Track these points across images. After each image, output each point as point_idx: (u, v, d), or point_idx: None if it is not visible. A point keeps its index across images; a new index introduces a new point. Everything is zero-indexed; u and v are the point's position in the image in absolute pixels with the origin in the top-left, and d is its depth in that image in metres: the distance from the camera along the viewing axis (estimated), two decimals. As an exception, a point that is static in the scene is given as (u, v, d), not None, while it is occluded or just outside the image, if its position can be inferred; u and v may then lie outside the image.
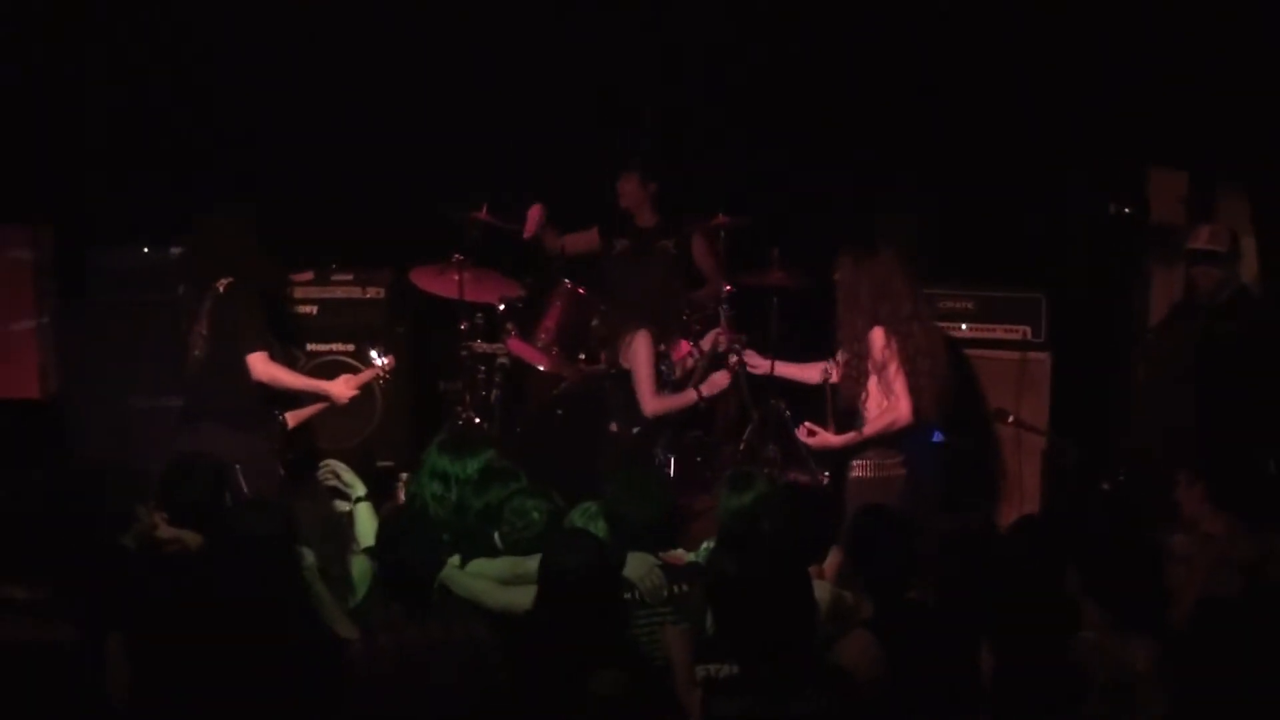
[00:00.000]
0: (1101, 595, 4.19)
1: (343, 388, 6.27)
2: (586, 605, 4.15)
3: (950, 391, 6.19)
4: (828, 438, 6.13)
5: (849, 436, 6.09)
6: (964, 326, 7.28)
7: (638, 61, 8.13)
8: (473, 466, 5.25)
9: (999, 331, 7.26)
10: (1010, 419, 6.95)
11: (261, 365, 6.09)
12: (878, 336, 6.04)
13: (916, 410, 6.02)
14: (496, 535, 5.00)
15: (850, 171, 8.06)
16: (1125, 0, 7.23)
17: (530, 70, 8.15)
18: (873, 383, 6.06)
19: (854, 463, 6.11)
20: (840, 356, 6.16)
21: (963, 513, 4.67)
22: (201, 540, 4.81)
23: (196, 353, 6.20)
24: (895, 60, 7.84)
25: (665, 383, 6.98)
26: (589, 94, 8.19)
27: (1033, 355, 7.17)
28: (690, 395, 6.86)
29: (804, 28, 7.93)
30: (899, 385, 6.01)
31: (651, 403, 6.86)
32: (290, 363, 6.37)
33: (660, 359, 6.98)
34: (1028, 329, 7.23)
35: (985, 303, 7.31)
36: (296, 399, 6.32)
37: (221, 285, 6.17)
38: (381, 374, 6.41)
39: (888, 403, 6.02)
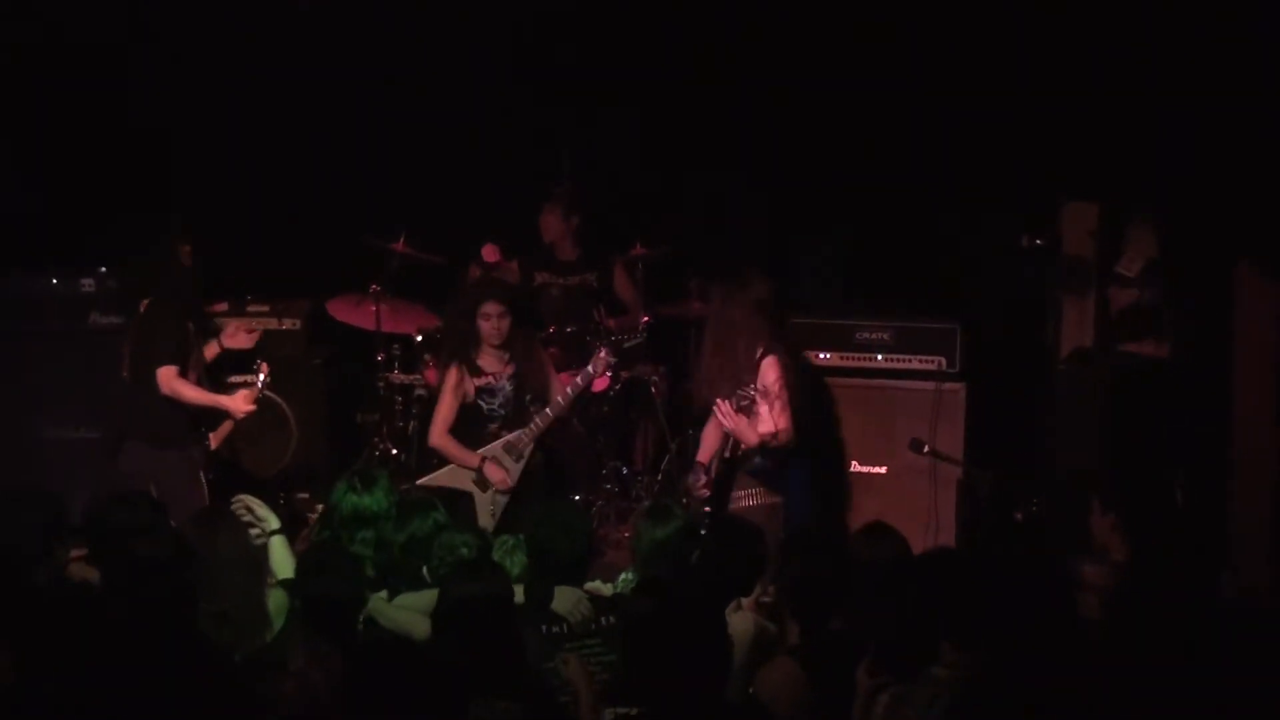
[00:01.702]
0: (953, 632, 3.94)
1: (240, 402, 6.31)
2: (476, 637, 4.06)
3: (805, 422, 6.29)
4: (745, 432, 6.02)
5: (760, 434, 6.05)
6: (880, 357, 7.33)
7: (557, 93, 8.13)
8: (387, 498, 5.19)
9: (914, 362, 7.30)
10: (926, 449, 6.99)
11: (165, 379, 6.16)
12: (771, 364, 6.10)
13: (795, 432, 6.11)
14: (425, 569, 4.96)
15: (769, 203, 8.13)
16: (1039, 36, 7.34)
17: (450, 101, 8.13)
18: (763, 409, 6.05)
19: (737, 493, 6.15)
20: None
21: (884, 542, 4.64)
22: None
23: (124, 374, 6.32)
24: (813, 93, 7.91)
25: (493, 417, 6.68)
26: (510, 125, 8.18)
27: (948, 385, 7.22)
28: (474, 459, 6.55)
29: (723, 59, 7.98)
30: (784, 411, 6.07)
31: (439, 437, 6.62)
32: (209, 387, 6.38)
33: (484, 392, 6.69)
34: (943, 359, 7.27)
35: (901, 333, 7.34)
36: (217, 417, 6.36)
37: (142, 306, 6.31)
38: (265, 379, 6.39)
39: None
